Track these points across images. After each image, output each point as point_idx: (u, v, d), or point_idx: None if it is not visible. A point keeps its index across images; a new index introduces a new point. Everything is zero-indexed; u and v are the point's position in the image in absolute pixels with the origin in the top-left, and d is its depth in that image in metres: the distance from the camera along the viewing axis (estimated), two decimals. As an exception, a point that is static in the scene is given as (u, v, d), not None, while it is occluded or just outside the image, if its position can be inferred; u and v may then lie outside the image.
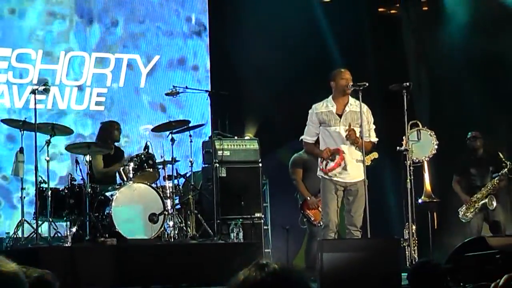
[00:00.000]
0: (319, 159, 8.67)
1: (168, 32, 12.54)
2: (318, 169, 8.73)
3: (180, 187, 10.14)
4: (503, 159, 10.59)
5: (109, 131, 10.39)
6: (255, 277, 2.08)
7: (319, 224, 9.85)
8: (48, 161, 9.32)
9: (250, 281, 2.08)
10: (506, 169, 10.56)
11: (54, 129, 9.47)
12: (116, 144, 10.46)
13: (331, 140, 8.57)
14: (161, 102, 12.24)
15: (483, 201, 10.58)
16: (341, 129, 8.57)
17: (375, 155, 9.42)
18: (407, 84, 8.93)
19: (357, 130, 8.53)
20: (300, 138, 9.08)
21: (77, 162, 9.62)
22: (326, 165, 8.54)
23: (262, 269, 2.11)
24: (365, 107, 8.66)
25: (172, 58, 12.54)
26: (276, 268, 2.11)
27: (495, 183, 10.59)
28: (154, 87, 12.32)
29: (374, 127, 8.77)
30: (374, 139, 8.76)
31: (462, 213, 10.65)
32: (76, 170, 9.61)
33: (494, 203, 10.58)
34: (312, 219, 10.01)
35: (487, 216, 10.69)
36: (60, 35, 11.91)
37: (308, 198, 10.03)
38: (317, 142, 8.80)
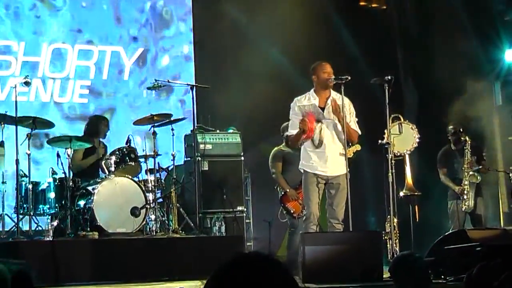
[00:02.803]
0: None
1: (152, 25, 12.54)
2: (300, 162, 8.71)
3: (162, 180, 10.12)
4: (461, 136, 10.71)
5: (97, 127, 10.35)
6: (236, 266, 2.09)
7: (299, 217, 9.86)
8: (29, 155, 9.28)
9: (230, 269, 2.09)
10: (468, 143, 10.63)
11: (35, 123, 9.43)
12: (100, 139, 10.43)
13: (314, 133, 8.56)
14: (144, 94, 12.24)
15: (471, 181, 10.62)
16: (324, 122, 8.56)
17: (357, 147, 9.43)
18: (389, 77, 8.91)
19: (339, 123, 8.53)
20: (286, 134, 9.03)
21: (58, 155, 9.57)
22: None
23: (244, 257, 2.12)
24: (346, 100, 8.62)
25: (156, 50, 12.53)
26: (256, 255, 2.12)
27: (468, 160, 10.62)
28: (138, 79, 12.30)
29: (356, 119, 8.75)
30: (358, 131, 8.73)
31: (466, 206, 10.65)
32: (58, 163, 9.56)
33: (479, 177, 10.64)
34: (292, 211, 9.99)
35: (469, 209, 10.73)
36: (43, 26, 11.89)
37: (288, 190, 10.01)
38: None
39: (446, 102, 12.38)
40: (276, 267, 2.13)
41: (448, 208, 10.87)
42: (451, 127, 10.95)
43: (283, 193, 10.08)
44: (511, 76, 12.71)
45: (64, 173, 9.41)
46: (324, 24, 12.58)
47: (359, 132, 8.74)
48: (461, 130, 10.86)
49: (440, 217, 11.02)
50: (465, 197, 10.63)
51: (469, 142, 10.67)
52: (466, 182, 10.63)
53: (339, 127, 8.49)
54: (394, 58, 13.17)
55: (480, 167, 10.76)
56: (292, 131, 8.69)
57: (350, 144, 9.12)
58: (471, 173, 10.61)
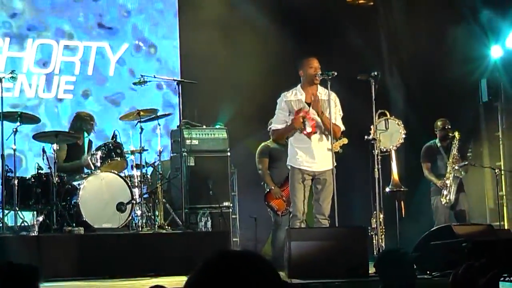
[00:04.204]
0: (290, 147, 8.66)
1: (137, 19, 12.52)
2: (288, 158, 8.71)
3: (148, 176, 10.10)
4: (449, 132, 10.71)
5: (84, 123, 10.30)
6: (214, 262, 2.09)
7: (282, 214, 9.87)
8: (15, 150, 9.24)
9: (210, 265, 2.09)
10: (456, 138, 10.64)
11: (21, 118, 9.39)
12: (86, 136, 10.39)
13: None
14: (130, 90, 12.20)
15: (454, 175, 10.63)
16: (311, 117, 8.56)
17: (344, 141, 9.43)
18: (375, 73, 8.92)
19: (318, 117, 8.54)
20: (269, 128, 9.04)
21: (43, 151, 9.53)
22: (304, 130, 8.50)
23: (223, 254, 2.11)
24: (333, 95, 8.65)
25: (141, 45, 12.49)
26: (237, 252, 2.12)
27: (455, 155, 10.64)
28: (123, 75, 12.26)
29: (341, 115, 8.75)
30: (341, 127, 8.74)
31: (446, 200, 10.65)
32: (43, 159, 9.53)
33: (462, 172, 10.66)
34: (276, 209, 10.00)
35: (453, 204, 10.75)
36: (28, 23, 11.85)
37: (272, 188, 10.01)
38: None
39: (433, 99, 12.41)
40: (261, 264, 2.12)
41: (431, 204, 10.88)
42: (440, 122, 10.94)
43: (268, 190, 10.08)
44: (497, 72, 12.73)
45: (50, 168, 9.37)
46: (311, 20, 12.57)
47: (343, 128, 8.75)
48: (450, 126, 10.87)
49: (426, 213, 11.02)
50: (445, 191, 10.66)
51: (457, 137, 10.68)
52: (449, 176, 10.65)
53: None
54: (381, 54, 13.17)
55: (466, 163, 10.78)
56: (277, 125, 8.71)
57: (335, 139, 9.12)
58: (456, 167, 10.63)
